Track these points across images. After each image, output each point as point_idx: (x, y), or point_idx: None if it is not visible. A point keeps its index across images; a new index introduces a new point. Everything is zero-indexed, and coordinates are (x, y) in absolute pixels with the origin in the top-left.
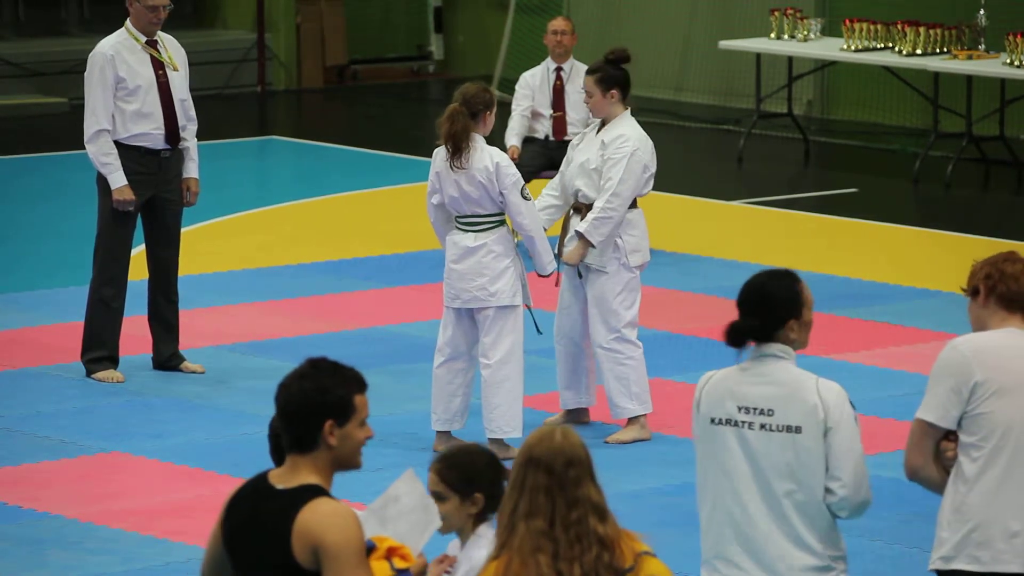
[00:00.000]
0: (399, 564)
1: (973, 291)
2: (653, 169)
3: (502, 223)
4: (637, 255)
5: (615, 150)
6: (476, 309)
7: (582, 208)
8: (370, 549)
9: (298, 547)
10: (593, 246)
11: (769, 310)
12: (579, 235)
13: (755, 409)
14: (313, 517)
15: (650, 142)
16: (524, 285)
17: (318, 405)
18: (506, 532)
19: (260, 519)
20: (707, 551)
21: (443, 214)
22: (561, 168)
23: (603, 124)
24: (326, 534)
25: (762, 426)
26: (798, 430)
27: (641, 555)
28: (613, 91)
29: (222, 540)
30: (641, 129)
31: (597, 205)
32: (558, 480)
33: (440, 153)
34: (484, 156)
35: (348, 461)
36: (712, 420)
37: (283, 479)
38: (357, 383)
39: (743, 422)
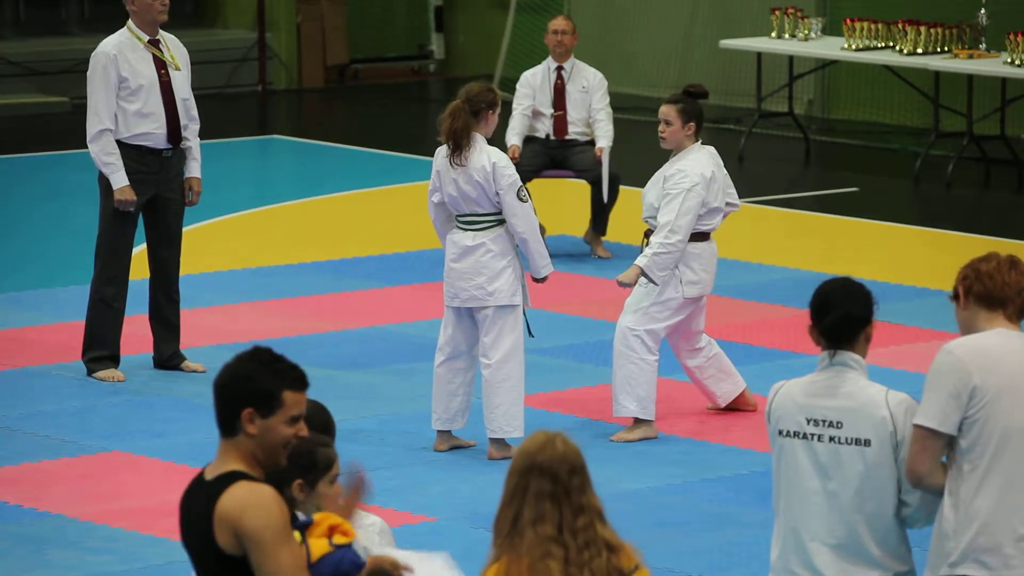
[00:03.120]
0: (339, 540)
1: (954, 295)
2: (715, 204)
3: (501, 222)
4: (693, 287)
5: (673, 185)
6: (475, 308)
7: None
8: (307, 525)
9: (220, 534)
10: (655, 283)
11: (862, 301)
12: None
13: (824, 421)
14: (229, 503)
15: (717, 178)
16: (523, 286)
17: (241, 392)
18: (508, 538)
19: (191, 511)
20: (774, 559)
21: (443, 213)
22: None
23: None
24: (243, 517)
25: (831, 439)
26: (867, 443)
27: (638, 566)
28: (691, 123)
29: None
30: (707, 162)
31: (655, 240)
32: (563, 487)
33: (441, 151)
34: (483, 156)
35: (269, 456)
36: (781, 432)
37: (213, 469)
38: (292, 380)
39: (812, 435)
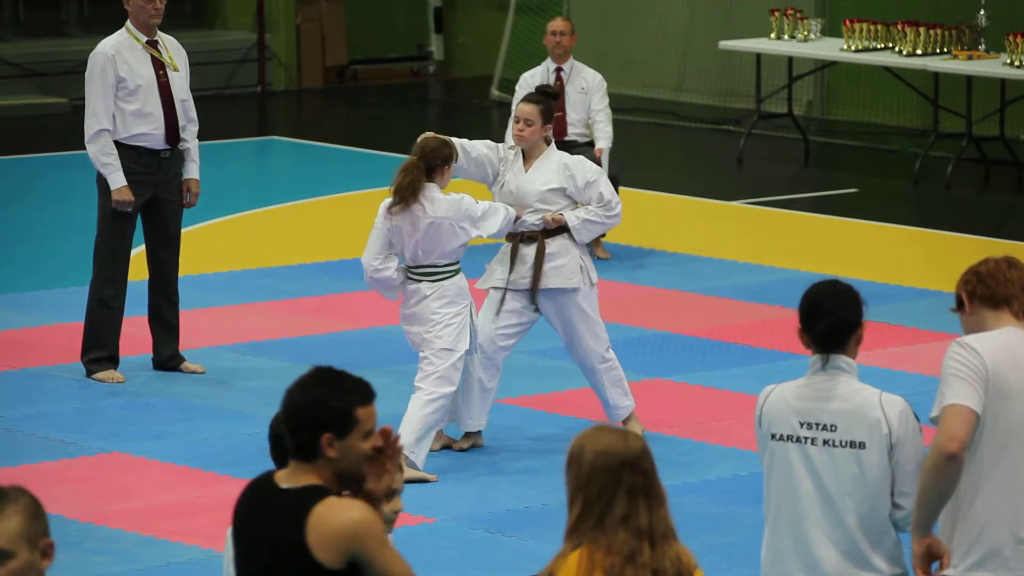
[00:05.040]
0: None
1: (958, 303)
2: None
3: (456, 273)
4: (595, 272)
5: (589, 171)
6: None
7: (538, 237)
8: None
9: (323, 549)
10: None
11: (853, 304)
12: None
13: (818, 425)
14: (330, 512)
15: None
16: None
17: (315, 418)
18: (592, 533)
19: (269, 519)
20: (766, 565)
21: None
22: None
23: (525, 155)
24: (359, 533)
25: (825, 442)
26: (862, 446)
27: (692, 559)
28: (548, 125)
29: (233, 543)
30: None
31: (592, 209)
32: (650, 480)
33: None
34: (443, 202)
35: (350, 472)
36: (774, 436)
37: (288, 480)
38: (359, 395)
39: (806, 438)
